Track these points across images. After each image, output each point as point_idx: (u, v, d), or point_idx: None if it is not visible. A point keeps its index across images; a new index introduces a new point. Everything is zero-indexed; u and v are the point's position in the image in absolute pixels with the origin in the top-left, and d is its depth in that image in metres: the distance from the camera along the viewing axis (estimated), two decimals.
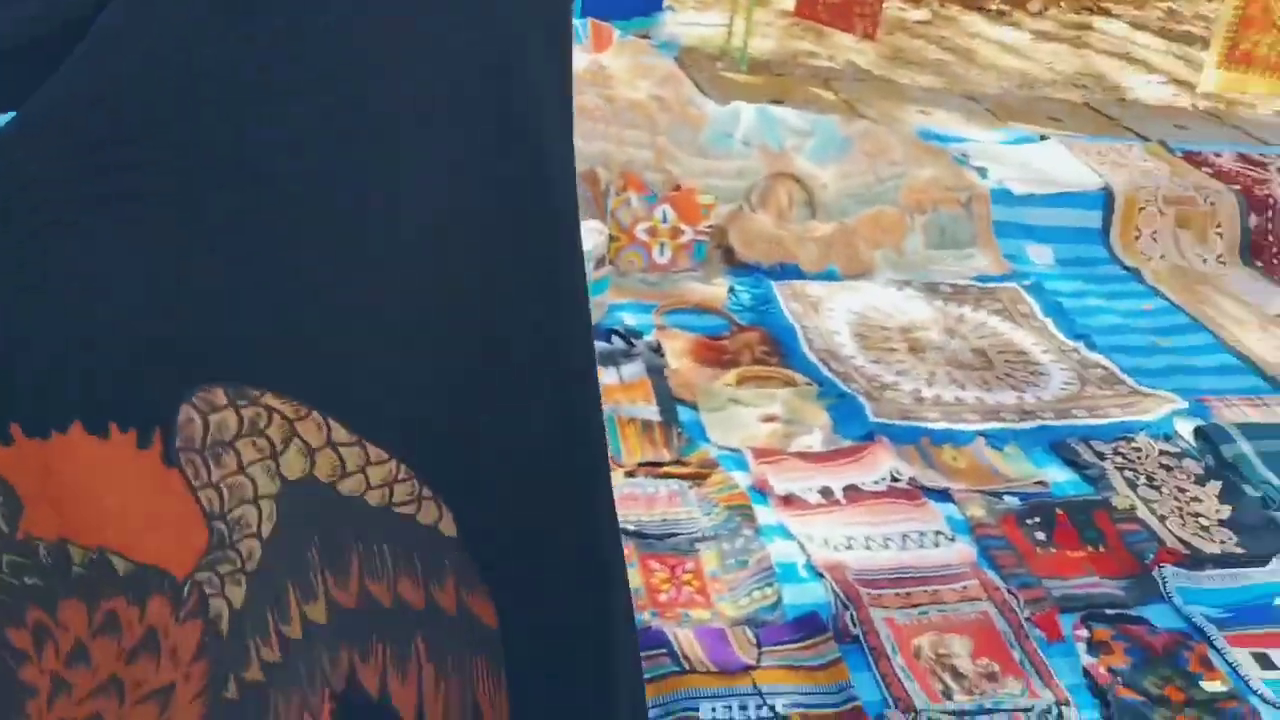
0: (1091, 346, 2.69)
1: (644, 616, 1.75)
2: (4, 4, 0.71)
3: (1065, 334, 2.73)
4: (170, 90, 0.71)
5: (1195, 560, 2.02)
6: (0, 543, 0.73)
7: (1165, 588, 1.95)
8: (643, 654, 1.61)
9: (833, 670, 1.68)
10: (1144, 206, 3.23)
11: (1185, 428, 2.41)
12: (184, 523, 0.76)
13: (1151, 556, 2.01)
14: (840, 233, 2.94)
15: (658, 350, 2.45)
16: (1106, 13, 5.98)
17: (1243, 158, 3.59)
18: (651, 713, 1.57)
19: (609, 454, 2.12)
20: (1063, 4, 5.89)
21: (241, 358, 0.77)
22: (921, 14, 5.54)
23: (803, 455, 2.16)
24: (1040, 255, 3.12)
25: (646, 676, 1.60)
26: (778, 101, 3.58)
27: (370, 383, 0.81)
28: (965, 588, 1.88)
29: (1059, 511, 2.09)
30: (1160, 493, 2.19)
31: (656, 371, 2.37)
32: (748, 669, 1.66)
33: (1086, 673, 1.77)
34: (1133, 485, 2.20)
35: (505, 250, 0.83)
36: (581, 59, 3.03)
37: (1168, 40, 5.55)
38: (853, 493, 2.08)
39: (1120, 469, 2.25)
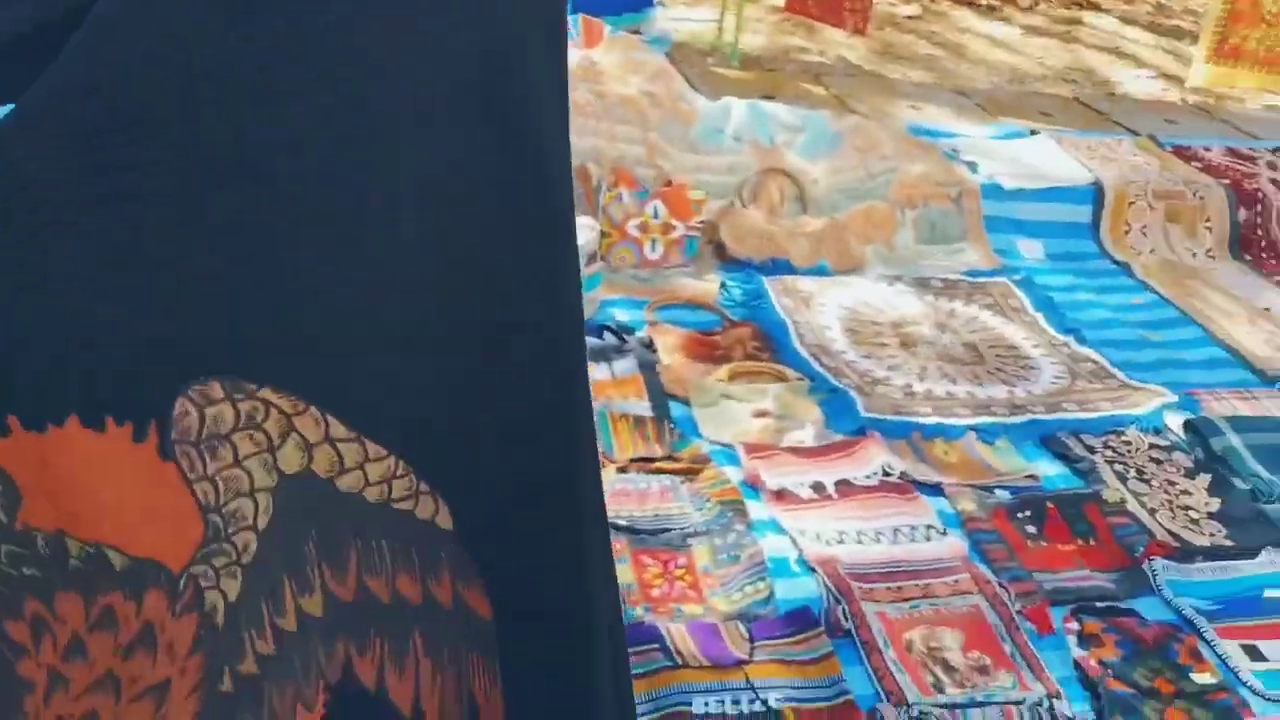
0: (1082, 341, 2.70)
1: (637, 611, 1.75)
2: (4, 3, 0.71)
3: (1055, 328, 2.74)
4: (170, 89, 0.71)
5: (1185, 553, 2.03)
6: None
7: (1155, 580, 1.96)
8: (635, 649, 1.62)
9: (825, 664, 1.69)
10: (1134, 201, 3.24)
11: (1175, 421, 2.43)
12: (180, 516, 0.76)
13: (1141, 549, 2.02)
14: (831, 228, 2.94)
15: (650, 346, 2.45)
16: (1096, 7, 6.00)
17: (1232, 152, 3.60)
18: (644, 707, 1.58)
19: (600, 449, 2.13)
20: None
21: (241, 357, 0.77)
22: (912, 9, 5.55)
23: (795, 450, 2.17)
24: (1031, 250, 3.12)
25: (639, 671, 1.60)
26: (768, 97, 3.58)
27: (369, 380, 0.82)
28: (956, 581, 1.88)
29: (1050, 505, 2.10)
30: (1150, 486, 2.20)
31: (648, 367, 2.37)
32: (740, 663, 1.67)
33: (1077, 665, 1.77)
34: (1123, 478, 2.21)
35: (505, 249, 0.83)
36: (572, 55, 3.03)
37: (1157, 35, 5.56)
38: (844, 487, 2.08)
39: (1110, 462, 2.26)
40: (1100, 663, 1.77)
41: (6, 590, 0.74)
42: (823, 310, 2.69)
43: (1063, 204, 3.21)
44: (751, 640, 1.71)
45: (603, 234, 2.71)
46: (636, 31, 3.57)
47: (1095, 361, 2.61)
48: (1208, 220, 3.27)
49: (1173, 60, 5.13)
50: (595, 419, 2.23)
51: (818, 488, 2.07)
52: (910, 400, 2.39)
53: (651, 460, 2.10)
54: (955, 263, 3.00)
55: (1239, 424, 2.40)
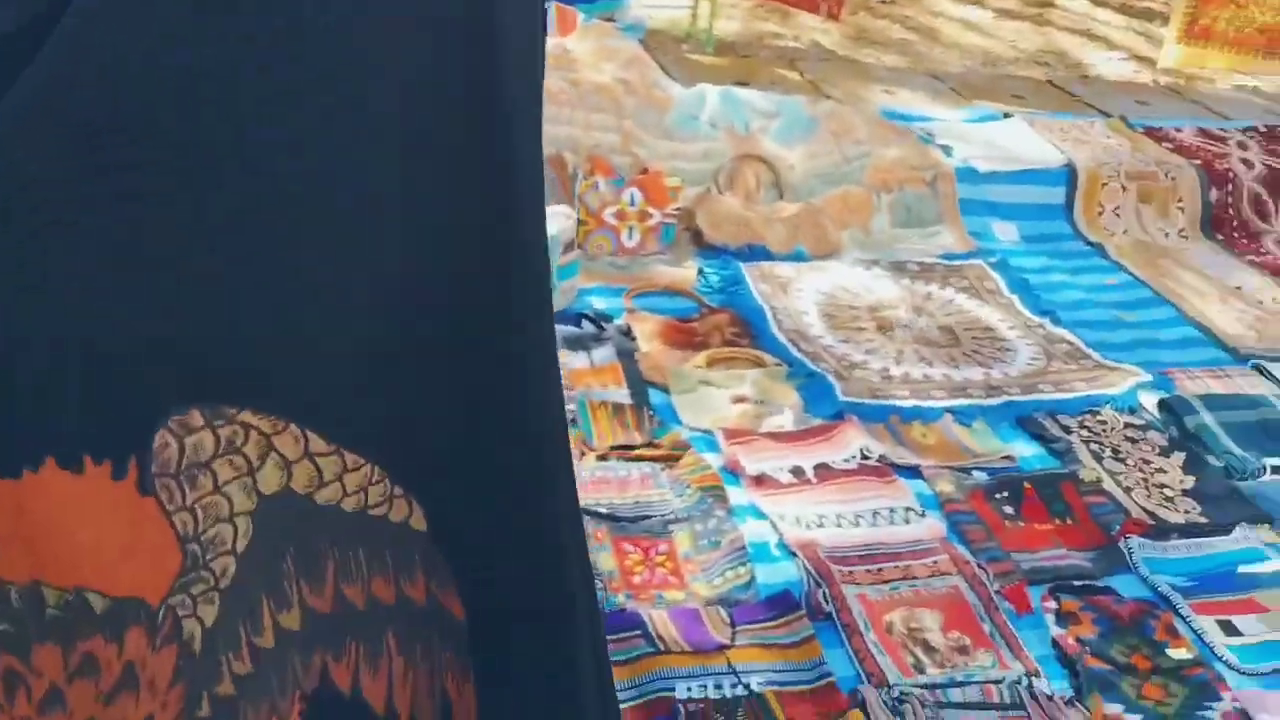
0: (1056, 322, 2.72)
1: (618, 598, 1.76)
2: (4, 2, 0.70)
3: (1031, 310, 2.76)
4: (170, 89, 0.71)
5: (1160, 531, 2.05)
6: None
7: (1131, 558, 1.98)
8: (617, 636, 1.63)
9: (806, 647, 1.70)
10: (1106, 182, 3.26)
11: (1149, 400, 2.45)
12: (159, 549, 0.75)
13: (1118, 528, 2.04)
14: (807, 213, 2.95)
15: (628, 334, 2.45)
16: None
17: (1203, 132, 3.63)
18: (627, 694, 1.59)
19: (580, 438, 2.13)
20: None
21: (241, 357, 0.77)
22: None
23: (773, 435, 2.18)
24: (1005, 232, 3.14)
25: (622, 658, 1.61)
26: (743, 83, 3.58)
27: (354, 383, 0.81)
28: (935, 563, 1.90)
29: (1026, 485, 2.11)
30: (1125, 465, 2.22)
31: (627, 355, 2.37)
32: (722, 648, 1.68)
33: (1055, 643, 1.79)
34: (1098, 458, 2.23)
35: (476, 252, 0.83)
36: (546, 43, 3.02)
37: (1128, 16, 5.58)
38: (823, 471, 2.09)
39: (1086, 442, 2.28)
40: (1078, 640, 1.79)
41: None
42: (800, 295, 2.70)
43: (1036, 186, 3.23)
44: (733, 625, 1.72)
45: (579, 222, 2.71)
46: (610, 19, 3.56)
47: (1070, 342, 2.63)
48: (1179, 200, 3.30)
49: (1144, 42, 5.15)
50: (574, 407, 2.24)
51: (797, 472, 2.08)
52: (887, 384, 2.40)
53: (631, 448, 2.11)
54: (931, 246, 3.02)
55: (1212, 402, 2.43)
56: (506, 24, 0.80)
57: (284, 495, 0.79)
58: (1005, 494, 2.09)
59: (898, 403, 2.33)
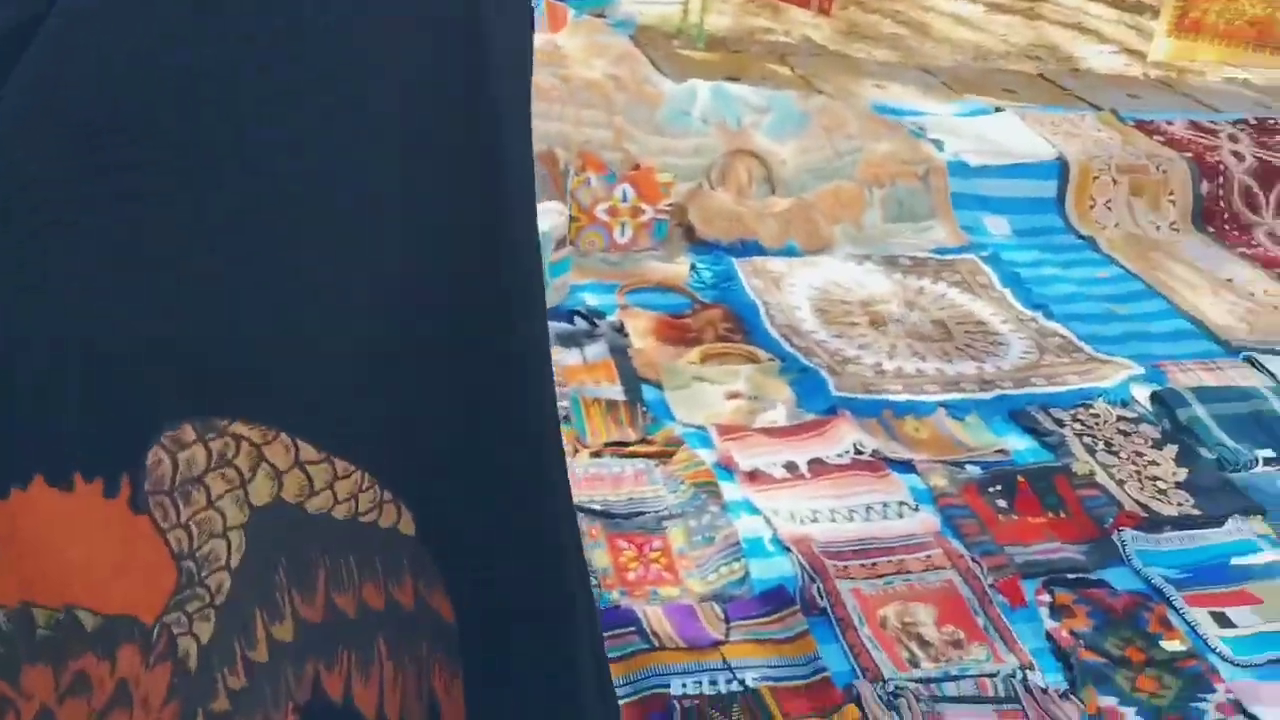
0: (1049, 315, 2.72)
1: (612, 595, 1.76)
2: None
3: (1023, 304, 2.77)
4: (170, 89, 0.71)
5: (1153, 523, 2.05)
6: None
7: (1125, 551, 1.98)
8: (612, 632, 1.63)
9: (801, 642, 1.70)
10: (1098, 175, 3.26)
11: (1142, 393, 2.45)
12: (153, 567, 0.75)
13: (1111, 520, 2.04)
14: (799, 208, 2.95)
15: (621, 330, 2.45)
16: None
17: (1193, 125, 3.63)
18: (622, 690, 1.59)
19: (574, 434, 2.13)
20: None
21: (241, 357, 0.76)
22: None
23: (767, 431, 2.18)
24: (997, 226, 3.14)
25: (616, 654, 1.61)
26: (734, 78, 3.58)
27: (347, 385, 0.81)
28: (929, 557, 1.90)
29: (1020, 479, 2.12)
30: (1118, 457, 2.23)
31: (620, 351, 2.37)
32: (717, 644, 1.68)
33: (1049, 636, 1.80)
34: (1091, 451, 2.24)
35: (475, 254, 0.83)
36: (537, 39, 3.01)
37: (1119, 10, 5.59)
38: (817, 466, 2.09)
39: (1079, 435, 2.28)
40: (1072, 633, 1.79)
41: None
42: (792, 290, 2.70)
43: (1028, 180, 3.23)
44: (727, 620, 1.72)
45: (571, 218, 2.70)
46: (601, 15, 3.56)
47: (1062, 336, 2.64)
48: (1171, 193, 3.31)
49: (1134, 35, 5.16)
50: (568, 404, 2.24)
51: (790, 467, 2.08)
52: (880, 378, 2.40)
53: (625, 444, 2.11)
54: (923, 240, 3.02)
55: (1204, 394, 2.43)
56: (494, 22, 0.80)
57: (275, 506, 0.79)
58: (999, 488, 2.10)
59: (891, 397, 2.33)
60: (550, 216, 2.49)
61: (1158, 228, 3.25)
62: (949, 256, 2.95)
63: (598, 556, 1.83)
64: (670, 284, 2.68)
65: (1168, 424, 2.35)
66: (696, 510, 1.95)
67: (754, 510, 1.98)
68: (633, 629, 1.67)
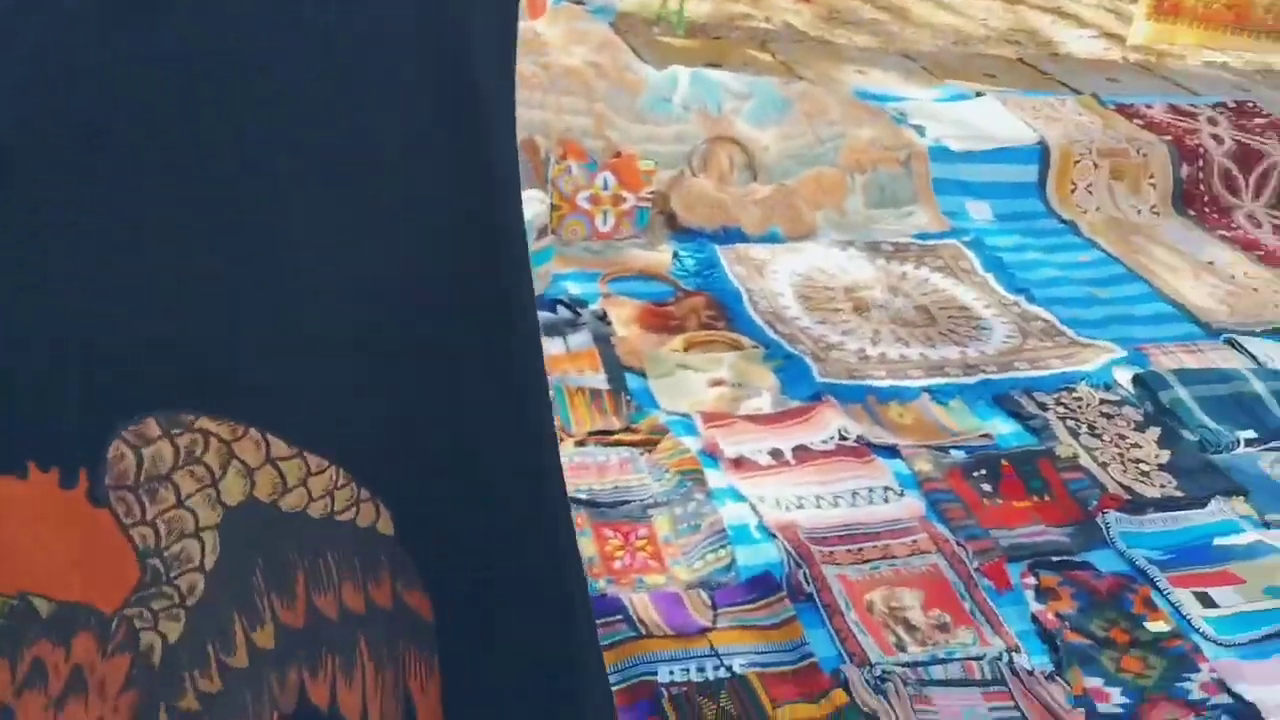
0: (1031, 300, 2.73)
1: (599, 584, 1.75)
2: None
3: (1006, 288, 2.77)
4: (170, 89, 0.70)
5: (1137, 505, 2.06)
6: None
7: (1109, 533, 1.99)
8: (599, 621, 1.62)
9: (787, 628, 1.70)
10: (1079, 160, 3.27)
11: (1124, 376, 2.46)
12: (113, 561, 0.74)
13: (1095, 503, 2.05)
14: (781, 194, 2.95)
15: (604, 319, 2.44)
16: None
17: (1173, 109, 3.64)
18: (610, 679, 1.58)
19: (558, 424, 2.12)
20: None
21: (241, 358, 0.76)
22: None
23: (751, 418, 2.18)
24: (979, 211, 3.15)
25: (604, 643, 1.60)
26: (715, 65, 3.57)
27: (356, 385, 0.81)
28: (915, 541, 1.90)
29: (1004, 463, 2.12)
30: (1102, 440, 2.24)
31: (603, 340, 2.36)
32: (704, 631, 1.68)
33: (1035, 619, 1.80)
34: (1075, 434, 2.24)
35: (474, 254, 0.83)
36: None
37: None
38: (802, 453, 2.09)
39: (1062, 419, 2.29)
40: (1057, 615, 1.80)
41: None
42: (775, 277, 2.70)
43: (1009, 165, 3.24)
44: (714, 607, 1.72)
45: (553, 207, 2.69)
46: (580, 2, 3.54)
47: (1045, 320, 2.65)
48: (1151, 177, 3.32)
49: (1114, 19, 5.17)
50: (552, 393, 2.23)
51: (775, 454, 2.08)
52: (864, 364, 2.40)
53: (609, 433, 2.10)
54: (905, 226, 3.02)
55: (1186, 377, 2.44)
56: (484, 19, 0.80)
57: (248, 505, 0.78)
58: (983, 472, 2.10)
59: (875, 383, 2.33)
60: (532, 205, 2.48)
61: (1138, 211, 3.26)
62: (931, 242, 2.95)
63: (583, 545, 1.82)
64: (653, 272, 2.67)
65: (1150, 406, 2.36)
66: (682, 498, 1.94)
67: (739, 497, 1.98)
68: (620, 617, 1.67)
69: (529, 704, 0.92)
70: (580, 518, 1.87)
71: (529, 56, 2.94)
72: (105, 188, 0.70)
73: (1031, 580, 1.87)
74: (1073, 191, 3.25)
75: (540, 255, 2.50)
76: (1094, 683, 1.69)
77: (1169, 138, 3.40)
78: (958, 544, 1.91)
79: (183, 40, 0.70)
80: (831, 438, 2.14)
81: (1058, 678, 1.69)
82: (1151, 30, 4.27)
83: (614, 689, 1.58)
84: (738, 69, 3.56)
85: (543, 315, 2.40)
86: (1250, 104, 3.75)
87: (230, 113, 0.72)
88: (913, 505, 2.00)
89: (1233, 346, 2.63)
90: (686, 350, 2.38)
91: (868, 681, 1.63)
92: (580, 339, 2.37)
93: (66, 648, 0.74)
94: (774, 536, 1.88)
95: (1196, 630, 1.82)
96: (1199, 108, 3.66)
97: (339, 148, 0.76)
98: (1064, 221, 3.17)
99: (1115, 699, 1.67)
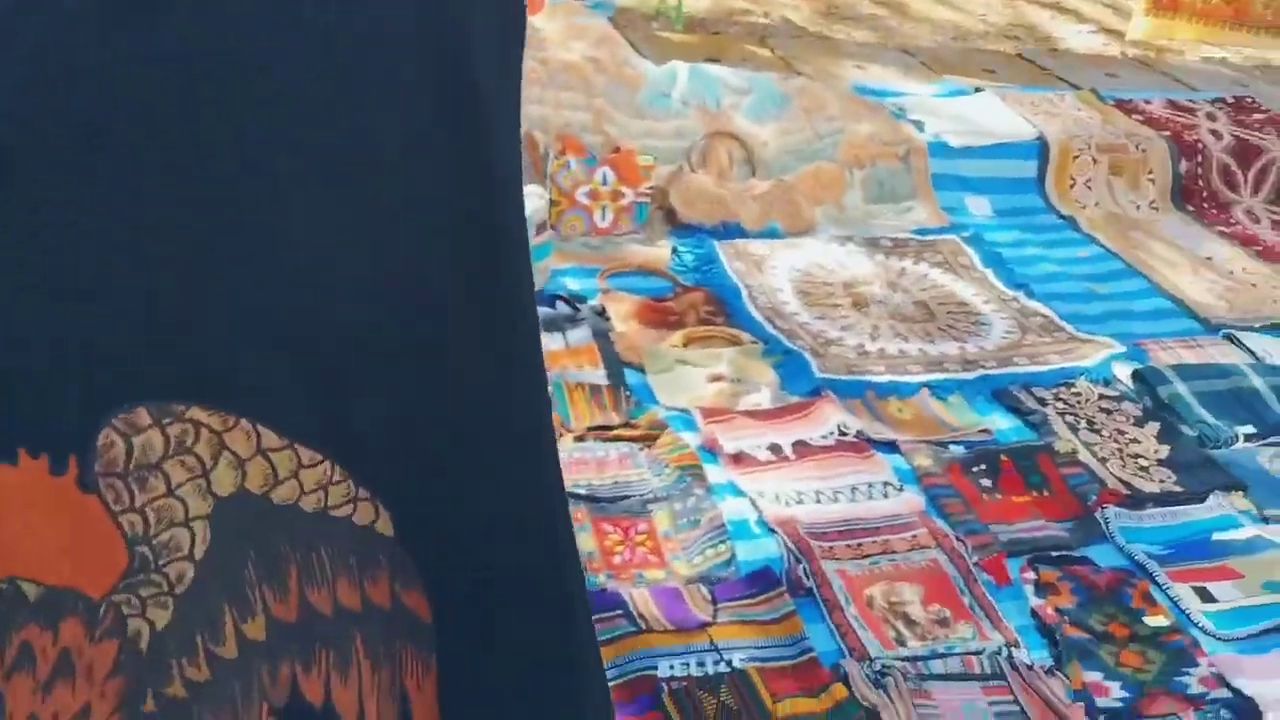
0: (1030, 295, 2.73)
1: (599, 579, 1.75)
2: None
3: (1005, 284, 2.77)
4: (170, 89, 0.70)
5: (1136, 500, 2.06)
6: None
7: (1108, 528, 1.99)
8: (599, 616, 1.63)
9: (787, 623, 1.70)
10: (1078, 155, 3.27)
11: (1123, 371, 2.46)
12: (102, 547, 0.74)
13: (1094, 498, 2.05)
14: (780, 190, 2.95)
15: (603, 314, 2.44)
16: None
17: (1172, 104, 3.65)
18: (610, 673, 1.59)
19: (557, 419, 2.12)
20: None
21: (241, 358, 0.76)
22: None
23: (751, 413, 2.18)
24: (978, 206, 3.15)
25: (604, 638, 1.61)
26: (714, 60, 3.56)
27: (356, 386, 0.81)
28: (915, 536, 1.91)
29: (1003, 458, 2.12)
30: (1101, 435, 2.24)
31: (602, 335, 2.36)
32: (704, 626, 1.68)
33: (1034, 614, 1.80)
34: (1074, 429, 2.25)
35: (475, 254, 0.83)
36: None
37: None
38: (801, 448, 2.10)
39: (1061, 414, 2.29)
40: (1057, 610, 1.80)
41: None
42: (774, 273, 2.70)
43: (1008, 160, 3.24)
44: (714, 602, 1.72)
45: (552, 202, 2.69)
46: None
47: (1044, 315, 2.65)
48: (1150, 172, 3.32)
49: (1112, 14, 5.17)
50: (551, 389, 2.23)
51: (775, 449, 2.08)
52: (864, 360, 2.40)
53: (609, 428, 2.10)
54: (904, 221, 3.02)
55: (1185, 372, 2.45)
56: (487, 18, 0.80)
57: (240, 496, 0.78)
58: (982, 467, 2.10)
59: (874, 378, 2.33)
60: (530, 200, 2.48)
61: (1137, 207, 3.26)
62: (930, 237, 2.95)
63: (583, 540, 1.82)
64: (652, 267, 2.67)
65: (1149, 402, 2.37)
66: (681, 493, 1.95)
67: (739, 493, 1.98)
68: (619, 612, 1.67)
69: (528, 704, 0.92)
70: (580, 513, 1.87)
71: (528, 52, 2.92)
72: (105, 188, 0.70)
73: (1031, 575, 1.87)
74: (1072, 187, 3.25)
75: (539, 250, 2.50)
76: (1093, 677, 1.69)
77: (1168, 133, 3.40)
78: (957, 539, 1.91)
79: (183, 40, 0.70)
80: (831, 433, 2.14)
81: (1057, 672, 1.69)
82: (1150, 25, 4.27)
83: (614, 684, 1.58)
84: (737, 64, 3.56)
85: (541, 310, 2.39)
86: (1249, 99, 3.75)
87: (230, 113, 0.72)
88: (912, 500, 2.00)
89: (1231, 342, 2.63)
90: (685, 346, 2.38)
91: (867, 676, 1.63)
92: (579, 334, 2.37)
93: (54, 632, 0.74)
94: (773, 531, 1.88)
95: (1195, 625, 1.82)
96: (1198, 103, 3.66)
97: (339, 148, 0.76)
98: (1063, 217, 3.17)
99: (1114, 693, 1.67)
